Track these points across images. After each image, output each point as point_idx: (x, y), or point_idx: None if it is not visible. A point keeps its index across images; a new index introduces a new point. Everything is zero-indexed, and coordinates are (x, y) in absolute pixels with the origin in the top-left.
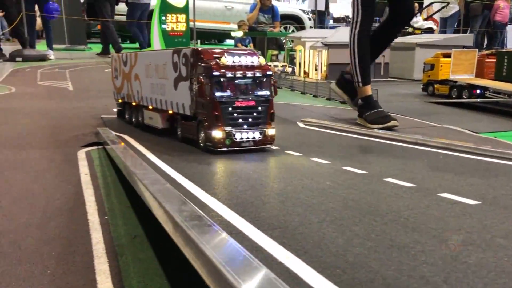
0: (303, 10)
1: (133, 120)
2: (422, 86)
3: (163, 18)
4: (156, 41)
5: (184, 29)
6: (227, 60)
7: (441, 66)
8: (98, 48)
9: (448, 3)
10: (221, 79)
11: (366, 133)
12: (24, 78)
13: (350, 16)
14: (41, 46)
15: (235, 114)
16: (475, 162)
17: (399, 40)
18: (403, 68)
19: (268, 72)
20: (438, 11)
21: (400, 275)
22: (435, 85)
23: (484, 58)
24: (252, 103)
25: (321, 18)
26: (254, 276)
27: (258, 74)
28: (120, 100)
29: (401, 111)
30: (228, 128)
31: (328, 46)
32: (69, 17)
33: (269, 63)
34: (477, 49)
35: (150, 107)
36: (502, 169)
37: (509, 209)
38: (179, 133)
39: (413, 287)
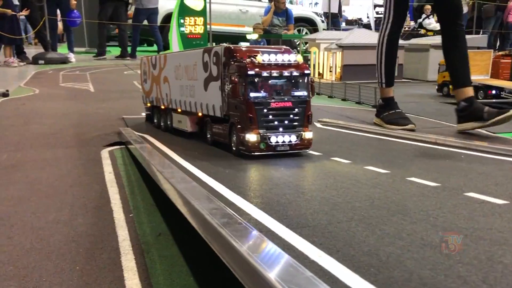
0: (316, 13)
1: (162, 124)
2: (437, 87)
3: (182, 21)
4: (175, 43)
5: (201, 31)
6: (262, 58)
7: None
8: (117, 51)
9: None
10: (256, 79)
11: (384, 133)
12: (47, 80)
13: (382, 14)
14: (62, 49)
15: (270, 116)
16: (497, 162)
17: (413, 41)
18: (417, 69)
19: (306, 71)
20: None
21: (436, 274)
22: (450, 86)
23: (499, 59)
24: (289, 104)
25: (334, 20)
26: (285, 267)
27: (295, 73)
28: (148, 104)
29: (417, 111)
30: (262, 131)
31: (343, 47)
32: (89, 21)
33: None
34: (492, 50)
35: (179, 110)
36: None
37: None
38: (208, 136)
39: (451, 286)
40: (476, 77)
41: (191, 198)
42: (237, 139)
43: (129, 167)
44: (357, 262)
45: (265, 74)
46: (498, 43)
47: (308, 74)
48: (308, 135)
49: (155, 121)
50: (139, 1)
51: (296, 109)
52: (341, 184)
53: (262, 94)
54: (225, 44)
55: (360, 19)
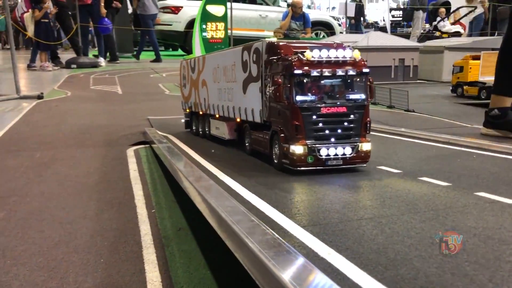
0: (333, 17)
1: (200, 130)
2: (451, 88)
3: (204, 26)
4: (197, 48)
5: (223, 36)
6: (312, 54)
7: (470, 68)
8: (144, 55)
9: (476, 7)
10: (304, 79)
11: (396, 132)
12: (79, 83)
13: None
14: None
15: (321, 124)
16: (510, 162)
17: (428, 43)
18: (432, 71)
19: (365, 70)
20: (465, 15)
21: (443, 273)
22: (464, 87)
23: None
24: (343, 109)
25: (357, 23)
26: (296, 267)
27: (351, 72)
28: (187, 110)
29: (431, 112)
30: (311, 142)
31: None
32: (118, 27)
33: None
34: None
35: (217, 116)
36: None
37: None
38: (247, 144)
39: (457, 285)
40: (490, 78)
41: (208, 196)
42: (280, 151)
43: (152, 165)
44: (366, 259)
45: (315, 73)
46: None
47: (367, 73)
48: (365, 146)
49: (193, 128)
50: (141, 8)
51: (352, 116)
52: (353, 183)
53: (311, 97)
54: (267, 39)
55: (376, 22)
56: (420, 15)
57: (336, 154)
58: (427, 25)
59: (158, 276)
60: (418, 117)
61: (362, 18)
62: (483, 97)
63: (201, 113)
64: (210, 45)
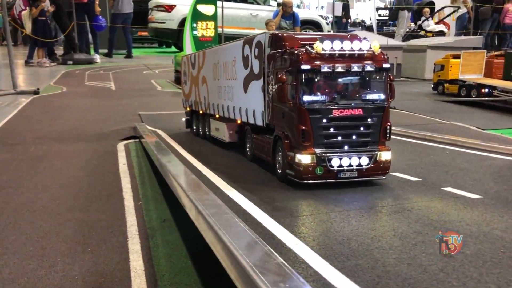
0: (321, 16)
1: (200, 131)
2: (432, 86)
3: (194, 25)
4: (188, 46)
5: (212, 34)
6: (323, 46)
7: (451, 66)
8: (139, 52)
9: (459, 7)
10: (313, 76)
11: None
12: (74, 79)
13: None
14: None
15: (332, 129)
16: (480, 158)
17: (411, 42)
18: (415, 69)
19: (385, 65)
20: (449, 15)
21: (399, 262)
22: (445, 85)
23: (492, 59)
24: (359, 112)
25: (338, 22)
26: (265, 262)
27: (369, 68)
28: (188, 109)
29: (412, 108)
30: (320, 150)
31: None
32: (113, 25)
33: None
34: (485, 51)
35: (217, 116)
36: (506, 165)
37: (510, 203)
38: (248, 149)
39: (411, 274)
40: (470, 76)
41: (188, 189)
42: (284, 160)
43: (141, 159)
44: (330, 250)
45: (326, 68)
46: (495, 43)
47: (388, 69)
48: (385, 155)
49: (194, 127)
50: (116, 7)
51: (369, 119)
52: None
53: (320, 97)
54: (271, 31)
55: (363, 21)
56: (405, 14)
57: (350, 165)
58: (412, 24)
59: (141, 265)
60: (398, 114)
61: (346, 17)
62: (463, 94)
63: (201, 112)
64: (200, 43)
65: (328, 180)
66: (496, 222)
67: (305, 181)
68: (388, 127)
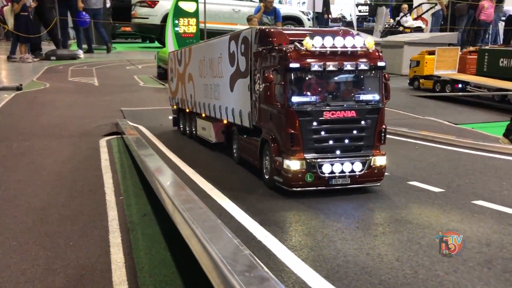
0: (303, 12)
1: (187, 130)
2: (408, 81)
3: (176, 21)
4: (170, 42)
5: (194, 31)
6: (313, 43)
7: (426, 62)
8: (122, 47)
9: (436, 4)
10: (302, 75)
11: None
12: (57, 75)
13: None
14: (73, 46)
15: (323, 133)
16: (448, 152)
17: (389, 38)
18: (393, 64)
19: (380, 63)
20: (427, 11)
21: (359, 253)
22: (421, 80)
23: (466, 55)
24: (352, 114)
25: (319, 18)
26: (235, 254)
27: (363, 67)
28: (175, 107)
29: (388, 104)
30: (310, 156)
31: None
32: (98, 21)
33: None
34: (459, 47)
35: (203, 115)
36: (471, 159)
37: (469, 196)
38: (234, 151)
39: (369, 263)
40: (444, 72)
41: (165, 185)
42: (271, 165)
43: (123, 155)
44: (296, 241)
45: (316, 67)
46: (471, 39)
47: (383, 68)
48: (380, 160)
49: (180, 126)
50: (85, 3)
51: (363, 122)
52: None
53: (310, 98)
54: (258, 26)
55: (344, 17)
56: (384, 11)
57: (342, 171)
58: (392, 20)
59: (122, 258)
60: None
61: (327, 13)
62: (437, 89)
63: (187, 110)
64: (182, 39)
65: (318, 188)
66: (454, 214)
67: (294, 189)
68: (383, 130)
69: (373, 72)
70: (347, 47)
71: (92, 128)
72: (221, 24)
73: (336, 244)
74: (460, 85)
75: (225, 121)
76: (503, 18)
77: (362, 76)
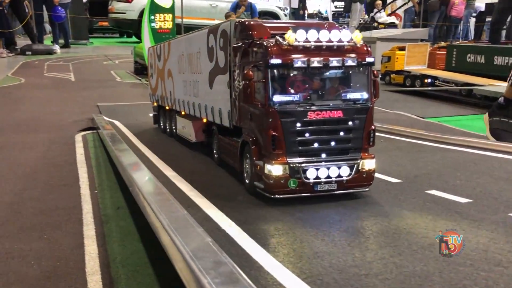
0: (279, 7)
1: (167, 128)
2: (380, 76)
3: (152, 17)
4: (146, 38)
5: (170, 26)
6: (296, 37)
7: (397, 58)
8: (99, 42)
9: (409, 0)
10: (285, 72)
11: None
12: (33, 70)
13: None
14: (47, 41)
15: (308, 135)
16: (411, 145)
17: (362, 34)
18: None
19: (368, 59)
20: (400, 7)
21: (315, 238)
22: (392, 75)
23: (435, 51)
24: (338, 114)
25: (295, 14)
26: (194, 239)
27: (350, 63)
28: (155, 104)
29: None
30: (294, 160)
31: None
32: (73, 16)
33: None
34: (428, 43)
35: (183, 113)
36: (431, 151)
37: (424, 185)
38: (214, 152)
39: (322, 248)
40: (414, 67)
41: (137, 179)
42: (252, 169)
43: (98, 150)
44: (258, 230)
45: (299, 63)
46: (442, 35)
47: (372, 64)
48: (369, 164)
49: (161, 124)
50: None
51: (351, 122)
52: None
53: (293, 97)
54: (237, 19)
55: (320, 13)
56: (358, 7)
57: (328, 176)
58: (366, 16)
59: (95, 249)
60: None
61: (304, 9)
62: (407, 84)
63: (167, 108)
64: (158, 35)
65: (303, 194)
66: (408, 204)
67: (276, 196)
68: (372, 131)
69: (361, 68)
70: (333, 42)
71: (68, 123)
72: (198, 19)
73: (295, 231)
74: (429, 80)
75: (204, 120)
76: (474, 14)
77: (349, 73)
